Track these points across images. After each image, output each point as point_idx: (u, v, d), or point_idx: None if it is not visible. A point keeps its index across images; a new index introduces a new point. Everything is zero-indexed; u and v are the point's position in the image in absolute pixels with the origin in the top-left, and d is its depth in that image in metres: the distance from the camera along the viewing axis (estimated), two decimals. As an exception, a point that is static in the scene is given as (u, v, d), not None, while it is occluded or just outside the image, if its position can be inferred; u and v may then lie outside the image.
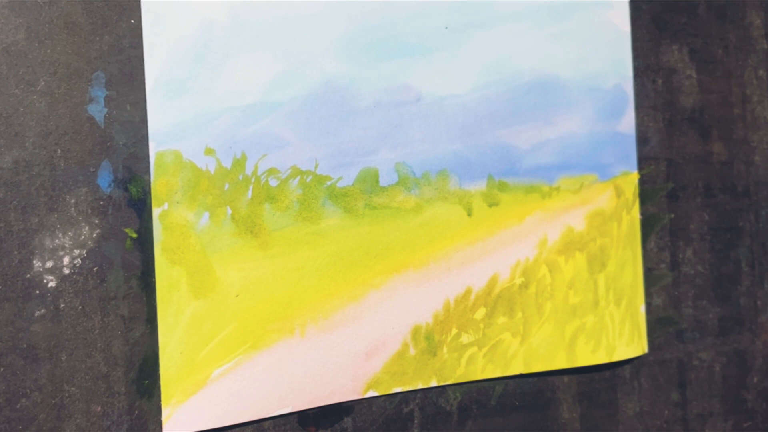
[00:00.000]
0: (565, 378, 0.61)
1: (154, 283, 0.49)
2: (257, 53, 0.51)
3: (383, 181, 0.54)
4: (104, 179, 0.48)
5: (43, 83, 0.47)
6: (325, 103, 0.53)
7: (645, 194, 0.63)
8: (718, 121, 0.66)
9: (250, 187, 0.51)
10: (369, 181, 0.54)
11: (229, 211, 0.50)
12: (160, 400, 0.49)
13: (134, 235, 0.48)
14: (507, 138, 0.58)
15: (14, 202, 0.46)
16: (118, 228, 0.48)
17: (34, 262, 0.46)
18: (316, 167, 0.52)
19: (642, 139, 0.63)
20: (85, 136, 0.47)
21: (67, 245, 0.47)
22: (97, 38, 0.48)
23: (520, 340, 0.58)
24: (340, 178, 0.53)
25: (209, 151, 0.50)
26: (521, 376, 0.59)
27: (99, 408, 0.48)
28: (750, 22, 0.67)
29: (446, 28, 0.56)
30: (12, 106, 0.46)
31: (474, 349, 0.57)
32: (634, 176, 0.62)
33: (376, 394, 0.54)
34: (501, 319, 0.58)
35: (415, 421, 0.56)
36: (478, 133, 0.57)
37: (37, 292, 0.46)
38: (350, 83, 0.53)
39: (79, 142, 0.47)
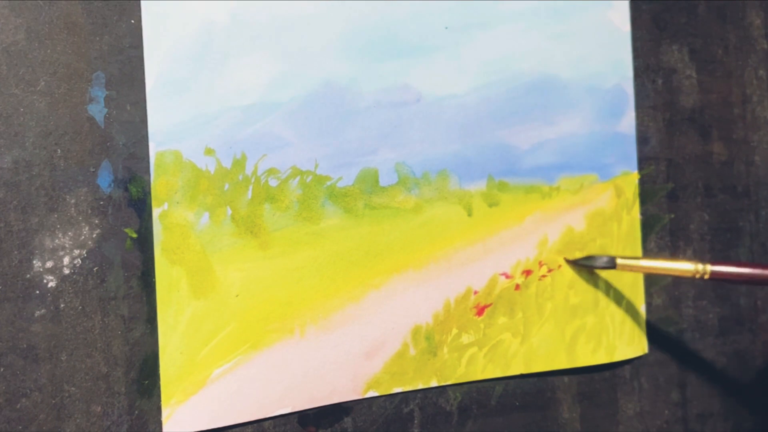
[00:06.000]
0: (565, 378, 0.61)
1: (154, 283, 0.49)
2: (257, 53, 0.51)
3: (383, 181, 0.54)
4: (104, 179, 0.48)
5: (43, 83, 0.47)
6: (325, 103, 0.53)
7: (645, 194, 0.63)
8: (718, 121, 0.66)
9: (250, 187, 0.51)
10: (369, 181, 0.54)
11: (229, 211, 0.50)
12: (160, 400, 0.49)
13: (134, 235, 0.48)
14: (507, 138, 0.58)
15: (14, 202, 0.46)
16: (118, 228, 0.48)
17: (34, 262, 0.46)
18: (316, 167, 0.52)
19: (642, 139, 0.63)
20: (85, 136, 0.47)
21: (67, 245, 0.47)
22: (97, 38, 0.48)
23: (521, 340, 0.58)
24: (340, 178, 0.53)
25: (209, 151, 0.50)
26: (521, 376, 0.59)
27: (99, 408, 0.48)
28: (750, 22, 0.67)
29: (446, 28, 0.56)
30: (12, 106, 0.46)
31: (474, 349, 0.57)
32: (634, 176, 0.62)
33: (376, 394, 0.54)
34: (501, 319, 0.58)
35: (415, 421, 0.56)
36: (478, 133, 0.57)
37: (37, 292, 0.46)
38: (350, 83, 0.53)
39: (79, 142, 0.47)
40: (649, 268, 0.57)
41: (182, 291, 0.49)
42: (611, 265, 0.57)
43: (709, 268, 0.54)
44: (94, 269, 0.48)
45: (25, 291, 0.46)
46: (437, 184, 0.56)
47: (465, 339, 0.57)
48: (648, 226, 0.63)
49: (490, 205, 0.57)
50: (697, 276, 0.54)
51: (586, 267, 0.58)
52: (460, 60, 0.56)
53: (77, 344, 0.47)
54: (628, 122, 0.62)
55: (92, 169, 0.48)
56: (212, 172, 0.50)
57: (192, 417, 0.49)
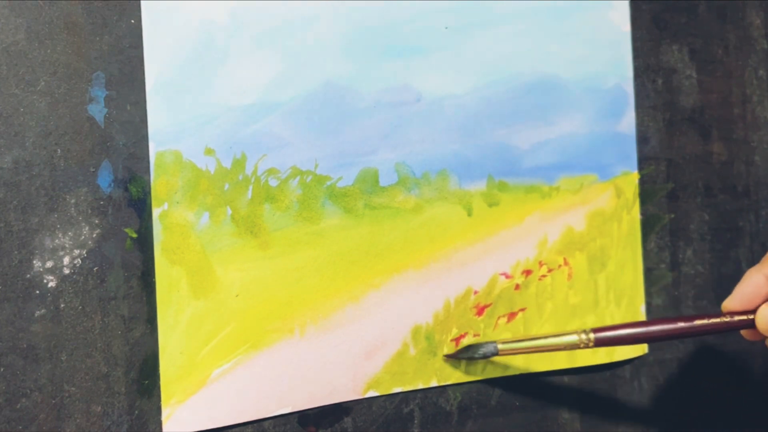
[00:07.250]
0: (565, 378, 0.61)
1: (154, 283, 0.49)
2: (257, 53, 0.51)
3: (383, 181, 0.54)
4: (104, 179, 0.48)
5: (43, 83, 0.47)
6: (325, 103, 0.53)
7: (645, 194, 0.63)
8: (718, 121, 0.66)
9: (250, 187, 0.51)
10: (369, 181, 0.54)
11: (229, 211, 0.50)
12: (160, 400, 0.49)
13: (134, 235, 0.48)
14: (507, 138, 0.58)
15: (14, 202, 0.46)
16: (118, 228, 0.48)
17: (34, 262, 0.46)
18: (316, 167, 0.52)
19: (642, 139, 0.63)
20: (85, 136, 0.47)
21: (67, 245, 0.47)
22: (97, 38, 0.48)
23: (520, 340, 0.58)
24: (340, 178, 0.53)
25: (209, 151, 0.50)
26: (521, 376, 0.59)
27: (99, 408, 0.48)
28: (750, 22, 0.67)
29: (446, 28, 0.56)
30: (12, 106, 0.46)
31: (474, 349, 0.57)
32: (634, 176, 0.62)
33: (376, 394, 0.54)
34: (501, 320, 0.58)
35: (415, 421, 0.56)
36: (478, 133, 0.57)
37: (37, 292, 0.46)
38: (350, 83, 0.53)
39: (79, 142, 0.47)
40: (533, 347, 0.55)
41: (182, 291, 0.49)
42: (493, 352, 0.54)
43: (593, 335, 0.53)
44: (94, 269, 0.48)
45: (25, 291, 0.46)
46: (437, 184, 0.56)
47: (465, 339, 0.57)
48: (648, 226, 0.63)
49: (490, 205, 0.57)
50: (582, 346, 0.53)
51: (466, 359, 0.56)
52: (460, 60, 0.56)
53: (77, 344, 0.47)
54: (628, 122, 0.62)
55: (92, 169, 0.48)
56: (212, 172, 0.50)
57: (192, 417, 0.49)
